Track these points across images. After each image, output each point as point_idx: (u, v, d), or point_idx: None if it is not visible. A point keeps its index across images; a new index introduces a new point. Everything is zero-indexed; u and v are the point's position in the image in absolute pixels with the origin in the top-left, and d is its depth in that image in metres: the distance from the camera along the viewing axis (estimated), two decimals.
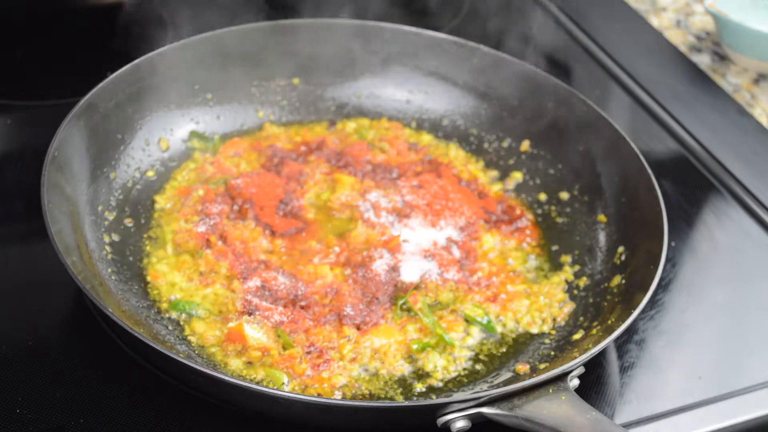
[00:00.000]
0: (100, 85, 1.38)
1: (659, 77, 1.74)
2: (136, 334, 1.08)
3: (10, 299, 1.28)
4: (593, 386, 1.21)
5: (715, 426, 1.18)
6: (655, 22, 1.93)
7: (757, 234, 1.46)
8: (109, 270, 1.27)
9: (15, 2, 1.64)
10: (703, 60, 1.83)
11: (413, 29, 1.58)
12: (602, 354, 1.24)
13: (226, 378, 1.09)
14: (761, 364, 1.27)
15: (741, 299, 1.37)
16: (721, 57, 1.84)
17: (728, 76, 1.79)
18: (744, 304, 1.36)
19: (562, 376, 1.09)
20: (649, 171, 1.34)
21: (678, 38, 1.89)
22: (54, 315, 1.26)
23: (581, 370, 1.13)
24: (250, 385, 1.08)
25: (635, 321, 1.20)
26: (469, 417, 1.06)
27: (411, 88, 1.60)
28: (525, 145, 1.52)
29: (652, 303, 1.33)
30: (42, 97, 1.58)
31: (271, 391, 1.09)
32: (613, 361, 1.25)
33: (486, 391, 1.07)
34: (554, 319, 1.30)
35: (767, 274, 1.41)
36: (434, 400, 1.14)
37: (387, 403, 1.13)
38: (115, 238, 1.33)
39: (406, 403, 1.13)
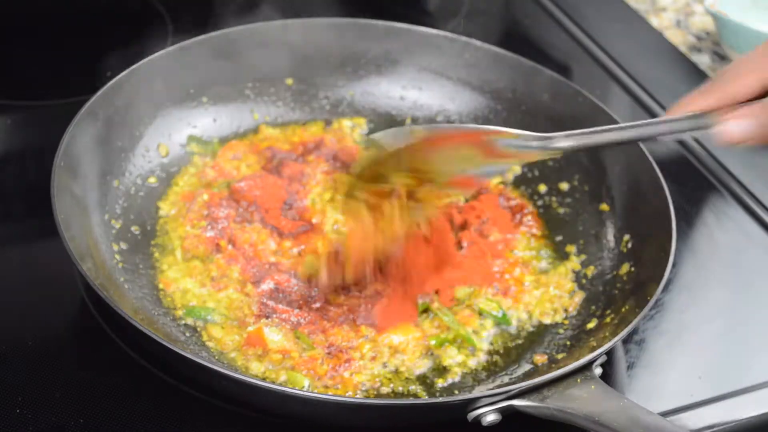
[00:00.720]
0: (99, 92, 1.36)
1: (659, 77, 1.73)
2: (164, 343, 1.06)
3: (9, 299, 1.26)
4: None
5: (715, 426, 1.18)
6: (655, 22, 1.93)
7: (757, 234, 1.46)
8: (122, 279, 1.25)
9: (15, 2, 1.61)
10: (703, 60, 1.83)
11: (404, 26, 1.57)
12: None
13: (262, 384, 1.07)
14: (761, 364, 1.27)
15: (741, 299, 1.37)
16: (721, 57, 1.83)
17: None
18: (744, 304, 1.36)
19: (588, 365, 1.10)
20: (650, 157, 1.35)
21: (678, 38, 1.89)
22: (54, 315, 1.25)
23: (604, 358, 1.14)
24: (288, 390, 1.09)
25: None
26: (500, 410, 1.07)
27: (404, 84, 1.59)
28: None
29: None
30: (42, 97, 1.56)
31: (308, 394, 1.09)
32: (612, 361, 1.25)
33: (516, 383, 1.07)
34: (566, 309, 1.31)
35: (767, 274, 1.41)
36: (467, 395, 1.14)
37: (422, 401, 1.14)
38: (124, 246, 1.31)
39: (441, 400, 1.13)
